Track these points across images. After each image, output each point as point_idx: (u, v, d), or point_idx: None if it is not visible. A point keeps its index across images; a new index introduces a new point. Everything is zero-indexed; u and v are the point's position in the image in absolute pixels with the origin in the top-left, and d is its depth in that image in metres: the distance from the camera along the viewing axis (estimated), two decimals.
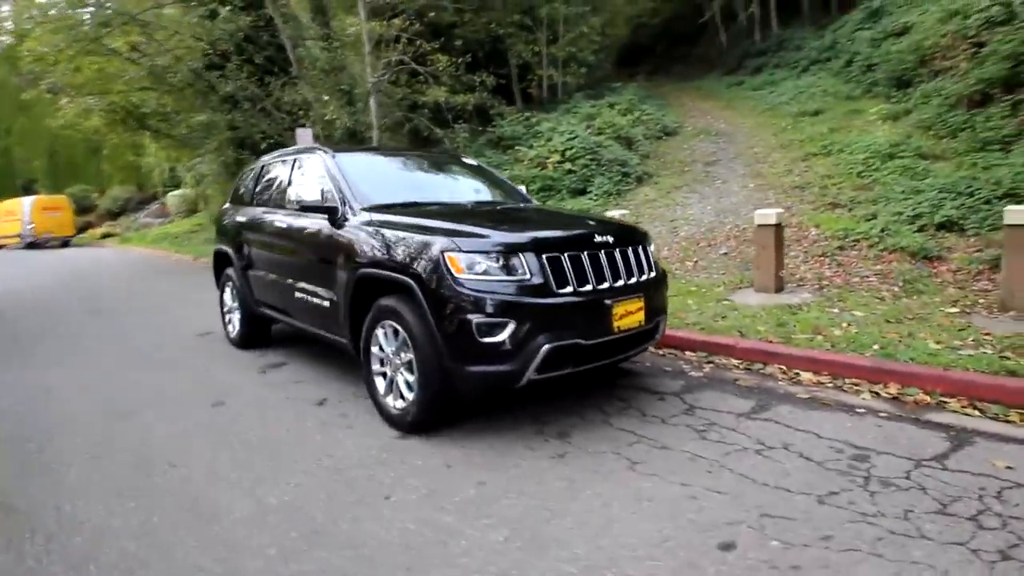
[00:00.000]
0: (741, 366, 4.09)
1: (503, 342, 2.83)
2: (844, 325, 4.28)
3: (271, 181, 4.79)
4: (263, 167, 5.06)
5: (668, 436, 3.04)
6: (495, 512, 2.38)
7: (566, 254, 3.01)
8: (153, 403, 3.91)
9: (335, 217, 3.69)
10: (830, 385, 3.65)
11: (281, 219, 4.33)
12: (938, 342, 3.77)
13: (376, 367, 3.38)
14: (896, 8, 13.79)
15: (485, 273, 2.87)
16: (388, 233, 3.24)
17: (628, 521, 2.28)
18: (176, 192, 24.90)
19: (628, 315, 3.17)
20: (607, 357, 3.24)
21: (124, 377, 4.55)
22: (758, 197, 8.77)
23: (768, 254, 5.17)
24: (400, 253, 3.10)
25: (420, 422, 3.11)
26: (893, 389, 3.47)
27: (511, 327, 2.83)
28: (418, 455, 2.93)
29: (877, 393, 3.46)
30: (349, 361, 4.62)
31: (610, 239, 3.23)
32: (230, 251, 5.09)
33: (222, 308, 5.51)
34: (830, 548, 2.06)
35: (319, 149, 4.27)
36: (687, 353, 4.43)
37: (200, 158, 17.42)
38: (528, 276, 2.90)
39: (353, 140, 13.59)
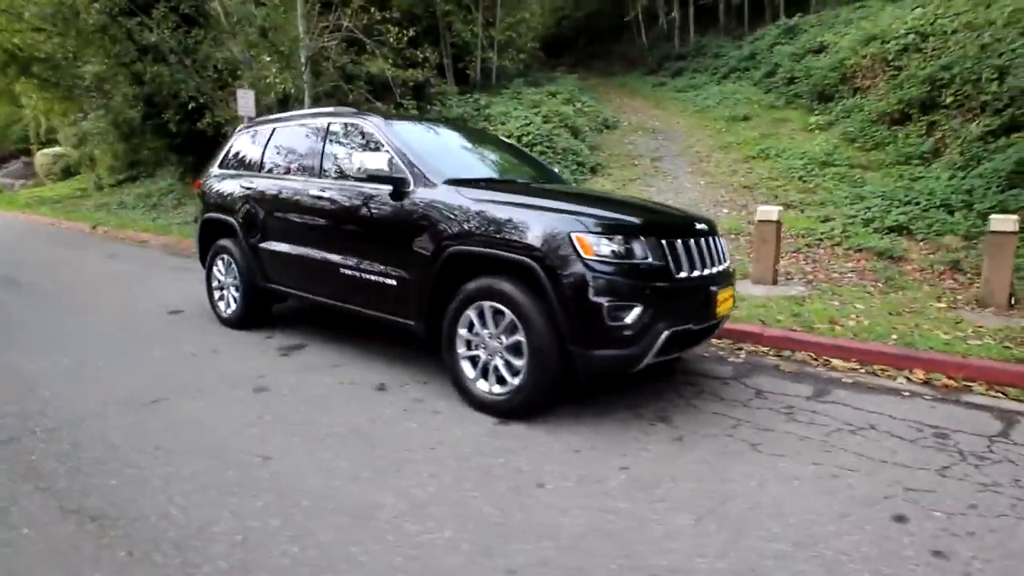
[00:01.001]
0: (771, 353, 4.35)
1: (630, 325, 2.81)
2: (854, 316, 4.69)
3: (293, 147, 4.35)
4: (273, 131, 4.58)
5: (761, 419, 3.17)
6: (664, 496, 2.38)
7: (679, 240, 3.04)
8: (177, 390, 3.44)
9: (403, 190, 3.44)
10: (862, 371, 3.98)
11: (322, 190, 3.94)
12: (945, 333, 4.24)
13: (462, 351, 3.22)
14: (809, 27, 15.10)
15: (611, 255, 2.83)
16: (491, 210, 3.08)
17: (795, 499, 2.37)
18: (48, 151, 21.78)
19: (725, 301, 3.27)
20: (699, 342, 3.33)
21: (116, 361, 3.97)
22: (712, 195, 9.29)
23: (768, 248, 5.51)
24: (512, 232, 2.96)
25: (528, 407, 3.00)
26: (920, 374, 3.85)
27: (638, 310, 2.82)
28: (537, 442, 2.83)
29: (908, 378, 3.83)
30: (375, 341, 4.35)
31: (705, 227, 3.30)
32: (233, 221, 4.56)
33: (209, 284, 4.94)
34: (984, 515, 2.27)
35: (366, 115, 3.95)
36: (712, 340, 4.62)
37: (83, 114, 15.40)
38: (649, 259, 2.89)
39: (283, 108, 12.66)
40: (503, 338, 3.05)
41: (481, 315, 3.12)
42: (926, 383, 3.76)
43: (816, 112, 11.80)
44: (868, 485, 2.49)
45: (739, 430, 3.02)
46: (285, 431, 2.91)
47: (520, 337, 2.95)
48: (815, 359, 4.19)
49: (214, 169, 5.04)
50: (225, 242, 4.72)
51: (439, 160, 3.60)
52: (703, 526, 2.17)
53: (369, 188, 3.61)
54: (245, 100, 9.40)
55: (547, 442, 2.83)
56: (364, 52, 12.70)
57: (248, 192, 4.49)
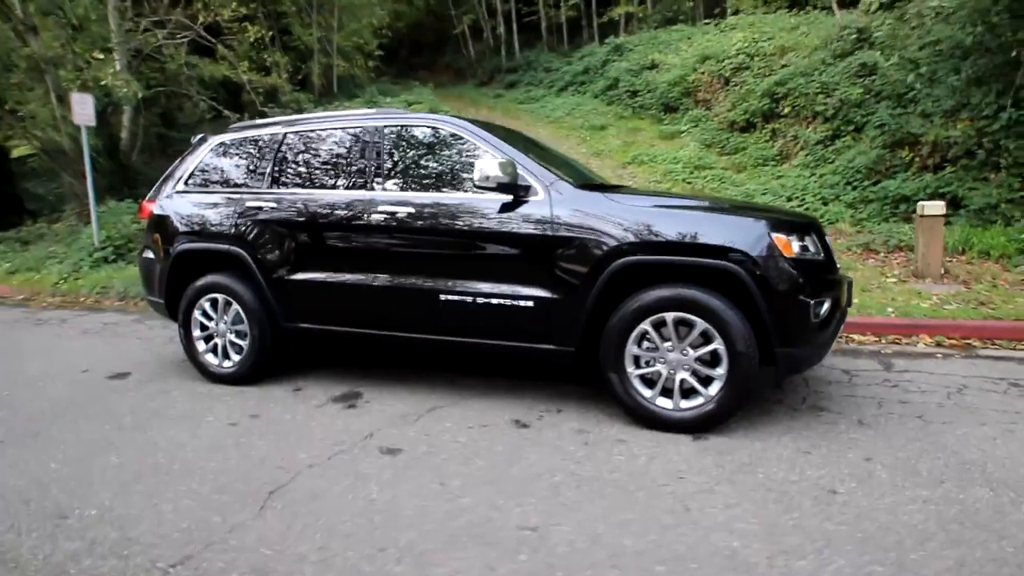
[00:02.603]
0: None
1: (825, 320, 2.87)
2: None
3: (330, 158, 3.59)
4: (283, 137, 3.73)
5: (884, 394, 3.43)
6: (936, 476, 2.44)
7: (822, 236, 3.17)
8: (285, 470, 2.64)
9: (524, 198, 3.08)
10: (883, 342, 4.54)
11: (398, 204, 3.31)
12: (921, 303, 5.02)
13: (631, 369, 2.97)
14: (634, 47, 16.75)
15: (801, 253, 2.85)
16: (668, 216, 2.89)
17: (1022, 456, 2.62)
18: None
19: None
20: None
21: (128, 452, 2.91)
22: None
23: None
24: (705, 237, 2.80)
25: (722, 417, 2.88)
26: (927, 339, 4.51)
27: (828, 304, 2.88)
28: (758, 451, 2.72)
29: (924, 344, 4.46)
30: (425, 373, 3.82)
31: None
32: (240, 251, 3.62)
33: (189, 333, 3.86)
34: None
35: (441, 116, 3.45)
36: None
37: None
38: (821, 255, 2.98)
39: (101, 116, 10.50)
40: (689, 350, 2.88)
41: (658, 327, 2.91)
42: (938, 345, 4.42)
43: (664, 122, 13.14)
44: None
45: (886, 407, 3.23)
46: (502, 494, 2.40)
47: (717, 346, 2.81)
48: (839, 336, 4.66)
49: (178, 186, 3.96)
50: (217, 278, 3.73)
51: (545, 164, 3.29)
52: (1004, 495, 2.29)
53: (479, 199, 3.15)
54: (83, 106, 7.59)
55: (768, 449, 2.75)
56: (199, 53, 11.08)
57: (262, 212, 3.61)
